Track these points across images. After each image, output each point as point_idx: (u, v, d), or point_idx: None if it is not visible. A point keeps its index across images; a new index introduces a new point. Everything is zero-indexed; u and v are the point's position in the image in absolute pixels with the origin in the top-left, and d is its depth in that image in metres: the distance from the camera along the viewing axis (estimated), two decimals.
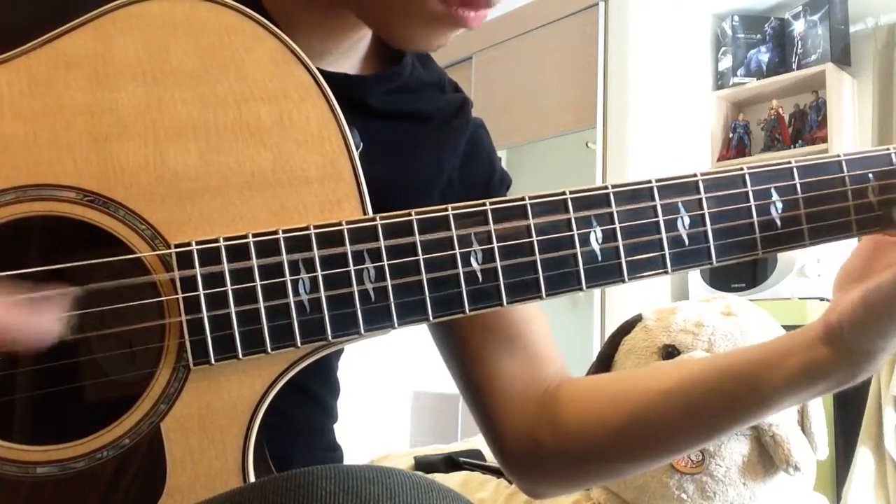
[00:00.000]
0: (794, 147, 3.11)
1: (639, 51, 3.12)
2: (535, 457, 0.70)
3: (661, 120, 3.14)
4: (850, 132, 3.03)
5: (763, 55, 3.27)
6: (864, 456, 1.78)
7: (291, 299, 0.51)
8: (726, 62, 3.31)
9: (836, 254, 2.54)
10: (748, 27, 3.30)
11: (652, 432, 0.64)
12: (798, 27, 3.16)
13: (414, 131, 0.71)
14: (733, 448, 1.13)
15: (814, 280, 2.62)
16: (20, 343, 0.46)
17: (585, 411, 0.67)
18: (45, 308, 0.47)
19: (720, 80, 3.35)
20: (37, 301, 0.47)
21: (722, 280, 2.83)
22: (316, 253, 0.52)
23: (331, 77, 0.57)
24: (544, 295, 0.54)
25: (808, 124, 3.11)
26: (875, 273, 0.55)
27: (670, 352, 1.18)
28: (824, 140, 2.98)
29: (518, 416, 0.70)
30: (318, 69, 0.55)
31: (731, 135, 3.31)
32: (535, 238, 0.54)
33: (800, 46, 3.14)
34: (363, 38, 0.69)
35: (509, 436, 0.70)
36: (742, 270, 2.77)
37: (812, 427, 1.15)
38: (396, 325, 0.53)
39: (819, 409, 1.18)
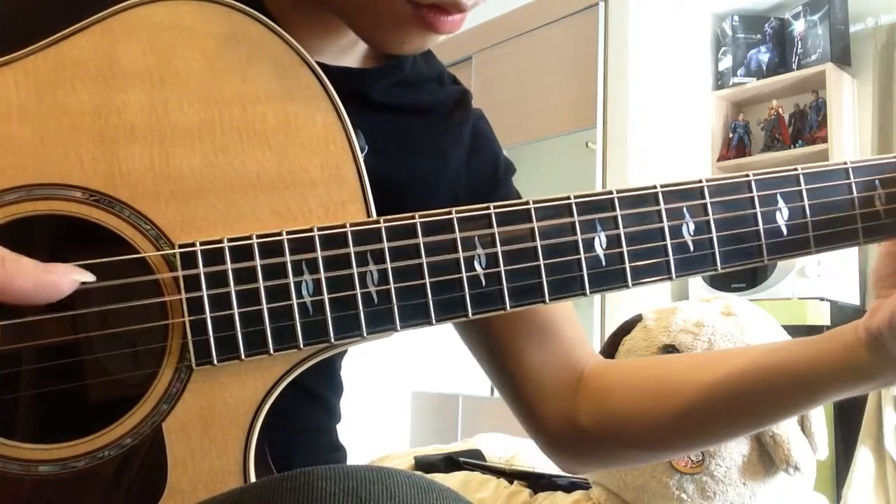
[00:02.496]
0: (795, 147, 3.11)
1: (639, 51, 3.12)
2: (576, 441, 0.71)
3: (661, 120, 3.14)
4: (850, 132, 3.03)
5: (763, 55, 3.27)
6: (864, 456, 1.78)
7: (294, 301, 0.51)
8: (726, 62, 3.31)
9: (837, 255, 2.55)
10: (748, 27, 3.30)
11: (696, 425, 0.65)
12: (798, 27, 3.16)
13: (416, 125, 0.71)
14: (733, 448, 1.13)
15: (814, 280, 2.63)
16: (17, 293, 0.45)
17: (630, 401, 0.68)
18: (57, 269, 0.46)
19: (720, 80, 3.35)
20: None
21: (722, 280, 2.83)
22: (319, 254, 0.52)
23: (332, 71, 0.57)
24: (548, 300, 0.54)
25: (808, 124, 3.11)
26: None
27: (670, 352, 1.18)
28: (824, 140, 2.98)
29: (555, 403, 0.70)
30: (319, 63, 0.55)
31: (731, 135, 3.31)
32: (538, 242, 0.54)
33: (800, 46, 3.14)
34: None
35: (549, 422, 0.71)
36: (742, 270, 2.76)
37: (812, 427, 1.15)
38: (399, 327, 0.53)
39: (819, 409, 1.18)
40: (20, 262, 0.45)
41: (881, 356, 0.55)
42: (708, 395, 0.63)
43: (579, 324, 0.74)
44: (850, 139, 3.03)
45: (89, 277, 0.47)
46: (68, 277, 0.46)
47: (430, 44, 0.62)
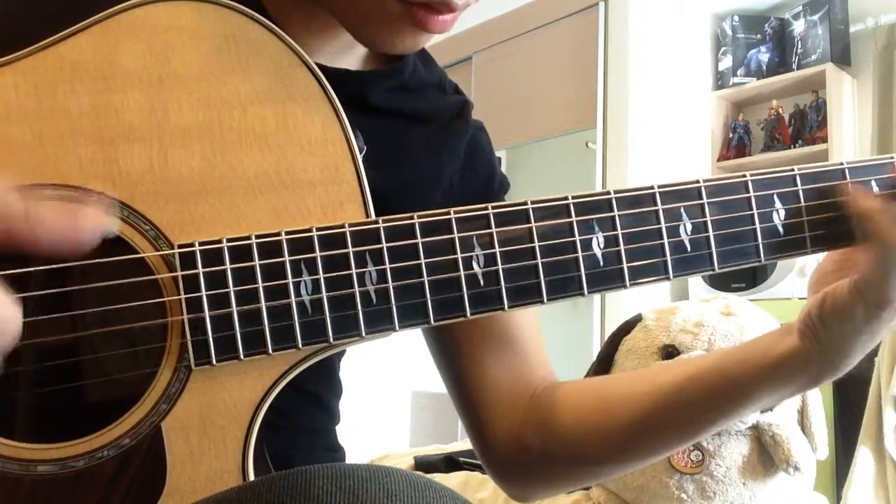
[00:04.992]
0: (795, 147, 3.11)
1: (639, 51, 3.12)
2: (521, 460, 0.70)
3: (661, 120, 3.15)
4: (850, 132, 3.04)
5: (763, 55, 3.27)
6: (864, 456, 1.78)
7: (293, 300, 0.51)
8: (726, 62, 3.32)
9: None
10: (748, 27, 3.30)
11: (638, 437, 0.65)
12: (798, 27, 3.16)
13: (414, 132, 0.71)
14: (733, 448, 1.13)
15: None
16: None
17: (573, 418, 0.67)
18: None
19: (720, 80, 3.35)
20: None
21: (722, 280, 2.84)
22: (318, 254, 0.52)
23: (331, 73, 0.57)
24: (545, 300, 0.54)
25: (808, 124, 3.12)
26: (847, 275, 0.56)
27: (670, 352, 1.18)
28: (824, 140, 2.98)
29: (505, 420, 0.70)
30: (318, 65, 0.55)
31: (731, 135, 3.32)
32: (536, 242, 0.54)
33: (800, 46, 3.15)
34: None
35: (497, 440, 0.70)
36: (742, 270, 2.76)
37: (812, 427, 1.15)
38: (398, 327, 0.53)
39: (819, 409, 1.18)
40: (40, 211, 0.41)
41: (810, 343, 0.56)
42: (646, 406, 0.63)
43: (543, 345, 0.73)
44: (850, 139, 3.03)
45: (114, 227, 0.44)
46: (91, 227, 0.42)
47: (422, 43, 0.61)
